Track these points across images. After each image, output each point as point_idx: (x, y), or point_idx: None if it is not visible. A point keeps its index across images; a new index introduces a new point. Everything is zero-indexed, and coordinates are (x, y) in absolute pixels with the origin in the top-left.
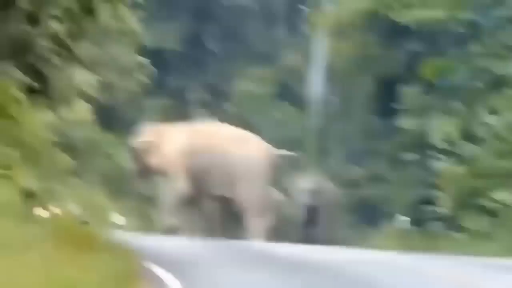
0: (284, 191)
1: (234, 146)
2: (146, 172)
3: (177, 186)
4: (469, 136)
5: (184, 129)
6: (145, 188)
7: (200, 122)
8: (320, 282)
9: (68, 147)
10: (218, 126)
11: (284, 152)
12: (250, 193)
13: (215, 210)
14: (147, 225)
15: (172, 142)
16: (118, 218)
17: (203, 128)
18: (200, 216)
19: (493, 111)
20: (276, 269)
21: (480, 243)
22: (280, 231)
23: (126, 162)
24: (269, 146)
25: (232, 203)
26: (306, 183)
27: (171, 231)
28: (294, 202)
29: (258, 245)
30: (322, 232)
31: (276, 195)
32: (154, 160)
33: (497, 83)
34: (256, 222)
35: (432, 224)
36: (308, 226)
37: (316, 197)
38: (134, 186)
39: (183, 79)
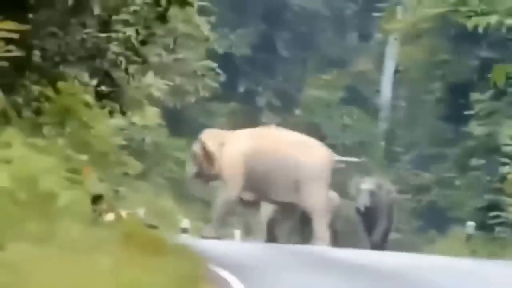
0: (347, 195)
1: (298, 151)
2: (206, 177)
3: (231, 192)
4: None
5: (246, 134)
6: (204, 193)
7: (262, 128)
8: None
9: (137, 151)
10: (280, 131)
11: (346, 158)
12: (316, 198)
13: (277, 215)
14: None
15: (234, 147)
16: (184, 222)
17: (266, 133)
18: (260, 221)
19: None
20: (339, 274)
21: None
22: (344, 235)
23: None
24: (331, 152)
25: (296, 208)
26: (366, 185)
27: (214, 236)
28: (357, 205)
29: (322, 249)
30: (379, 233)
31: (337, 199)
32: (214, 165)
33: None
34: (322, 227)
35: (499, 230)
36: (366, 226)
37: (374, 198)
38: (190, 191)
39: (252, 84)
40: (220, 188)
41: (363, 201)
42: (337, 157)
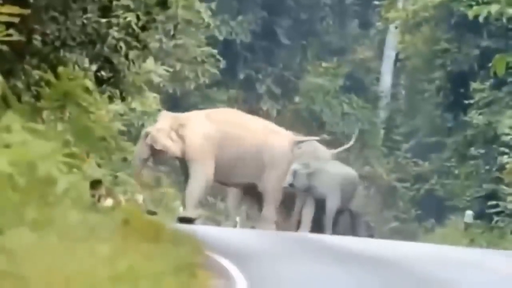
0: None
1: (265, 135)
2: (161, 158)
3: (206, 172)
4: None
5: (210, 117)
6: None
7: (222, 110)
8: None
9: (136, 137)
10: (244, 115)
11: (307, 138)
12: (275, 182)
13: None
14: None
15: (199, 128)
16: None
17: (232, 116)
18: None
19: None
20: (338, 261)
21: None
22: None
23: None
24: (293, 135)
25: (254, 190)
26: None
27: (191, 220)
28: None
29: (321, 237)
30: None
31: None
32: (174, 147)
33: None
34: (272, 210)
35: (498, 219)
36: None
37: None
38: (137, 174)
39: (252, 71)
40: (192, 171)
41: (287, 180)
42: (299, 138)
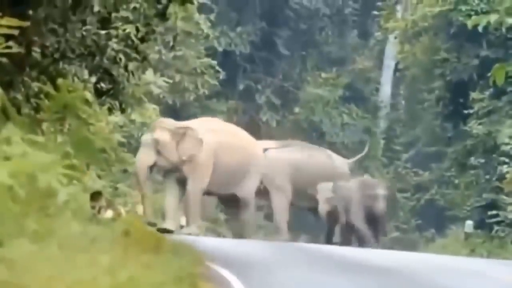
0: None
1: (250, 144)
2: (162, 167)
3: (201, 183)
4: None
5: (205, 125)
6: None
7: (211, 119)
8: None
9: (136, 148)
10: (230, 124)
11: (273, 143)
12: (252, 189)
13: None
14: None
15: (197, 139)
16: (183, 219)
17: (226, 126)
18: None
19: None
20: (339, 271)
21: None
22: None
23: None
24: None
25: (235, 200)
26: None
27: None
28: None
29: (322, 247)
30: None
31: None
32: (175, 156)
33: None
34: (251, 215)
35: (498, 229)
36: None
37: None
38: (142, 182)
39: (252, 82)
40: (190, 181)
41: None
42: (267, 145)
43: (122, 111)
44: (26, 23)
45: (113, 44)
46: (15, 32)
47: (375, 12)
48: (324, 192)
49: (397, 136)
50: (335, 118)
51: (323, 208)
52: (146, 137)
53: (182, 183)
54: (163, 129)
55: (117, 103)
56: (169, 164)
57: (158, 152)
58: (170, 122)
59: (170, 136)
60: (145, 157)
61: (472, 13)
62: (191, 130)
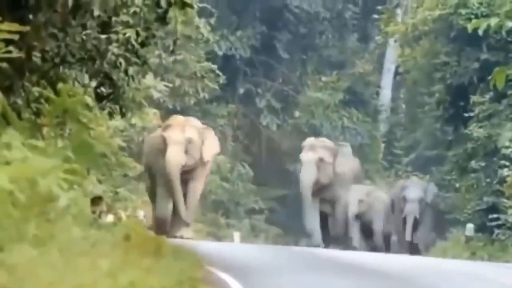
0: None
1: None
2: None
3: (201, 186)
4: None
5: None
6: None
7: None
8: None
9: (136, 152)
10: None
11: None
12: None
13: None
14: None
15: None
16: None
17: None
18: None
19: None
20: (339, 275)
21: None
22: None
23: None
24: None
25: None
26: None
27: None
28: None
29: (322, 251)
30: None
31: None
32: (197, 156)
33: None
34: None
35: (499, 232)
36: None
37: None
38: (177, 182)
39: (252, 86)
40: (195, 183)
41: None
42: None
43: (123, 115)
44: (26, 28)
45: (114, 48)
46: (15, 37)
47: (375, 16)
48: (356, 194)
49: (398, 139)
50: (335, 122)
51: (352, 210)
52: (175, 136)
53: (184, 183)
54: (192, 127)
55: (117, 107)
56: (194, 163)
57: (187, 151)
58: (196, 121)
59: (198, 135)
60: (178, 156)
61: (472, 16)
62: (211, 130)
